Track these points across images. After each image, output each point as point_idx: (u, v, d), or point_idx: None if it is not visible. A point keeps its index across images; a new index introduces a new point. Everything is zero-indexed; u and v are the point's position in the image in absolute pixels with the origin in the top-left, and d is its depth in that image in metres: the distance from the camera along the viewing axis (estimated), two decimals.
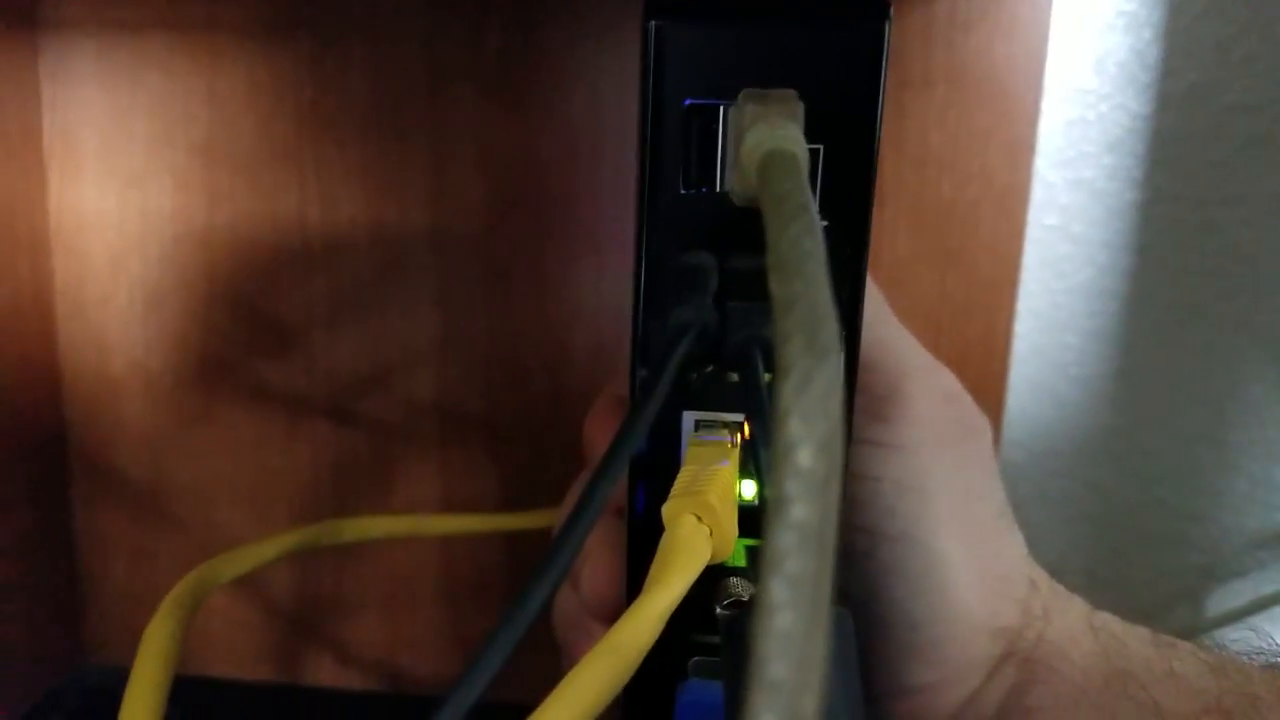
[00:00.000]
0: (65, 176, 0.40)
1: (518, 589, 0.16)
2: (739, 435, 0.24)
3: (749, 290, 0.20)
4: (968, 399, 0.30)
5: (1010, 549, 0.29)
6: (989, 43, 0.37)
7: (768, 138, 0.17)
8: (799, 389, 0.12)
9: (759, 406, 0.18)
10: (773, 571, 0.11)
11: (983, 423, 0.30)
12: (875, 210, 0.38)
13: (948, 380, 0.30)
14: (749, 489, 0.24)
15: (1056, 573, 0.51)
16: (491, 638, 0.15)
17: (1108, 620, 0.29)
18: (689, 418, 0.24)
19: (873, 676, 0.29)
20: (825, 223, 0.22)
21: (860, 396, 0.28)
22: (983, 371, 0.39)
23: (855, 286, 0.23)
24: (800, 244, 0.14)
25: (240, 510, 0.42)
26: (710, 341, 0.20)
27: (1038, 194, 0.49)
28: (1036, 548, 0.51)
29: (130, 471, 0.42)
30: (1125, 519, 0.52)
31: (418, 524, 0.37)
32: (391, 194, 0.39)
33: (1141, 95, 0.47)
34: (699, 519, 0.19)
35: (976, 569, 0.28)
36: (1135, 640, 0.28)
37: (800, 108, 0.19)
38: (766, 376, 0.20)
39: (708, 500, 0.20)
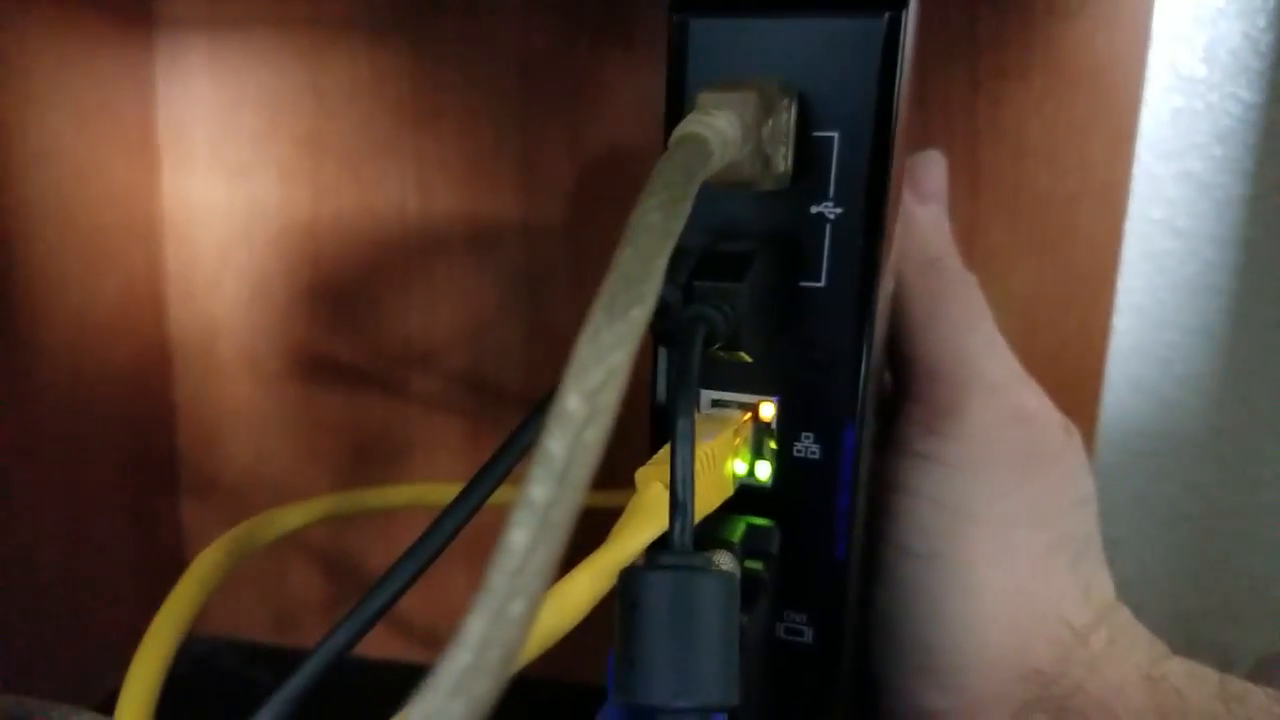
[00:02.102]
0: (177, 168, 0.42)
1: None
2: (751, 415, 0.24)
3: (718, 272, 0.21)
4: (1045, 420, 0.28)
5: (1056, 588, 0.27)
6: (1089, 33, 0.36)
7: (689, 122, 0.18)
8: (585, 340, 0.13)
9: (684, 379, 0.19)
10: (520, 495, 0.12)
11: (1059, 448, 0.28)
12: (970, 201, 0.37)
13: (1024, 398, 0.28)
14: (763, 470, 0.24)
15: (1156, 579, 0.50)
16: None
17: (1172, 670, 0.27)
18: (707, 396, 0.24)
19: (891, 694, 0.29)
20: (839, 210, 0.22)
21: (919, 407, 0.28)
22: (1079, 367, 0.38)
23: (868, 276, 0.23)
24: (646, 215, 0.15)
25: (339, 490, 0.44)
26: (665, 316, 0.21)
27: (1142, 187, 0.48)
28: (1135, 550, 0.50)
29: (233, 450, 0.44)
30: (1229, 523, 0.50)
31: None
32: (484, 185, 0.40)
33: (1254, 84, 0.46)
34: (664, 485, 0.20)
35: (1007, 603, 0.27)
36: (1199, 693, 0.26)
37: (754, 103, 0.19)
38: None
39: None
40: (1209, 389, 0.49)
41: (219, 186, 0.42)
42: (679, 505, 0.18)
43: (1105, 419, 0.50)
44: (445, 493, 0.38)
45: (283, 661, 0.43)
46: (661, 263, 0.14)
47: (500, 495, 0.38)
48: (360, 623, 0.18)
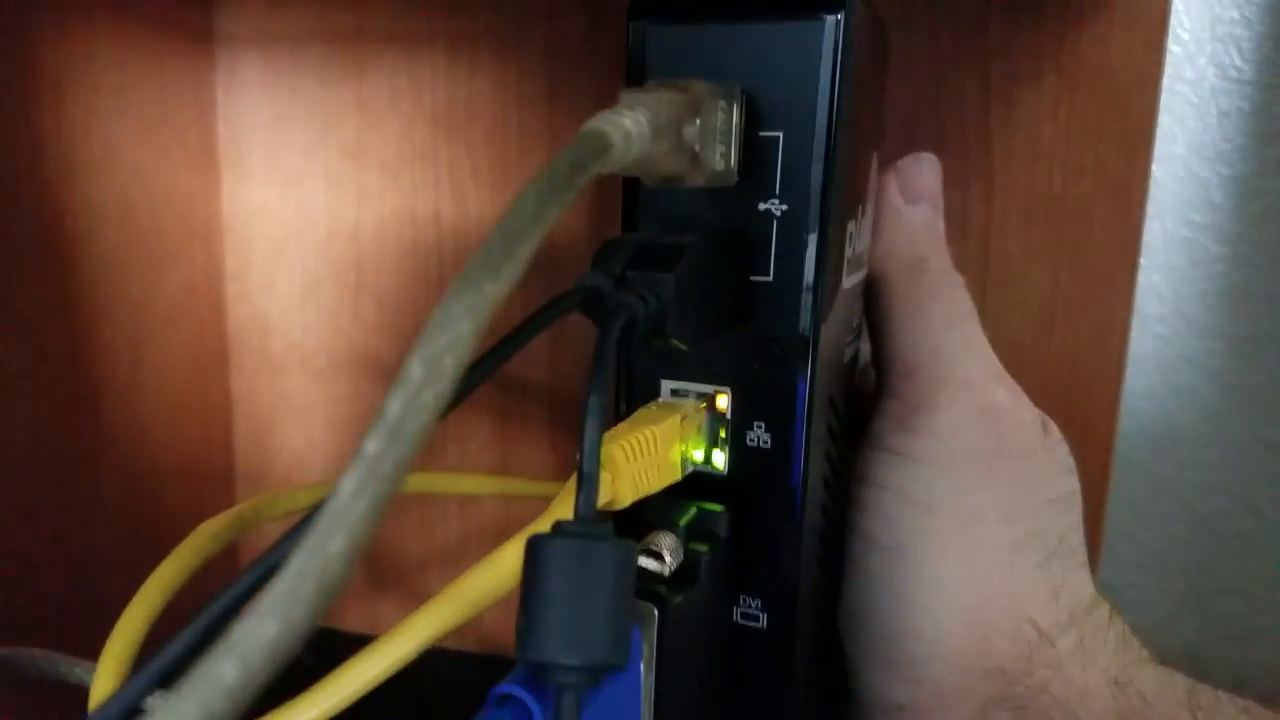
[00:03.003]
0: (235, 175, 0.45)
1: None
2: (708, 404, 0.25)
3: (649, 262, 0.22)
4: (1018, 418, 0.28)
5: (1022, 586, 0.28)
6: (1103, 35, 0.36)
7: (596, 118, 0.19)
8: (436, 310, 0.14)
9: (600, 361, 0.20)
10: (358, 452, 0.13)
11: (1032, 445, 0.28)
12: (985, 204, 0.38)
13: (996, 395, 0.28)
14: (719, 458, 0.25)
15: (1206, 592, 0.49)
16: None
17: (1141, 676, 0.27)
18: (666, 385, 0.25)
19: (860, 686, 0.29)
20: (784, 208, 0.23)
21: (894, 403, 0.29)
22: (1096, 370, 0.38)
23: (818, 271, 0.24)
24: (522, 200, 0.16)
25: None
26: (592, 302, 0.22)
27: (1187, 190, 0.47)
28: (1183, 564, 0.49)
29: (284, 440, 0.47)
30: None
31: (479, 484, 0.40)
32: (513, 190, 0.42)
33: None
34: (603, 466, 0.21)
35: (968, 596, 0.27)
36: (1166, 701, 0.26)
37: (671, 102, 0.20)
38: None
39: (612, 451, 0.22)
40: (1260, 399, 0.48)
41: (272, 192, 0.45)
42: (585, 477, 0.19)
43: (1151, 429, 0.50)
44: (455, 482, 0.40)
45: (323, 641, 0.45)
46: (527, 246, 0.16)
47: (526, 488, 0.40)
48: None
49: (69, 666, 0.27)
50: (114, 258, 0.39)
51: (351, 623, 0.47)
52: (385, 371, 0.45)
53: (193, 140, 0.43)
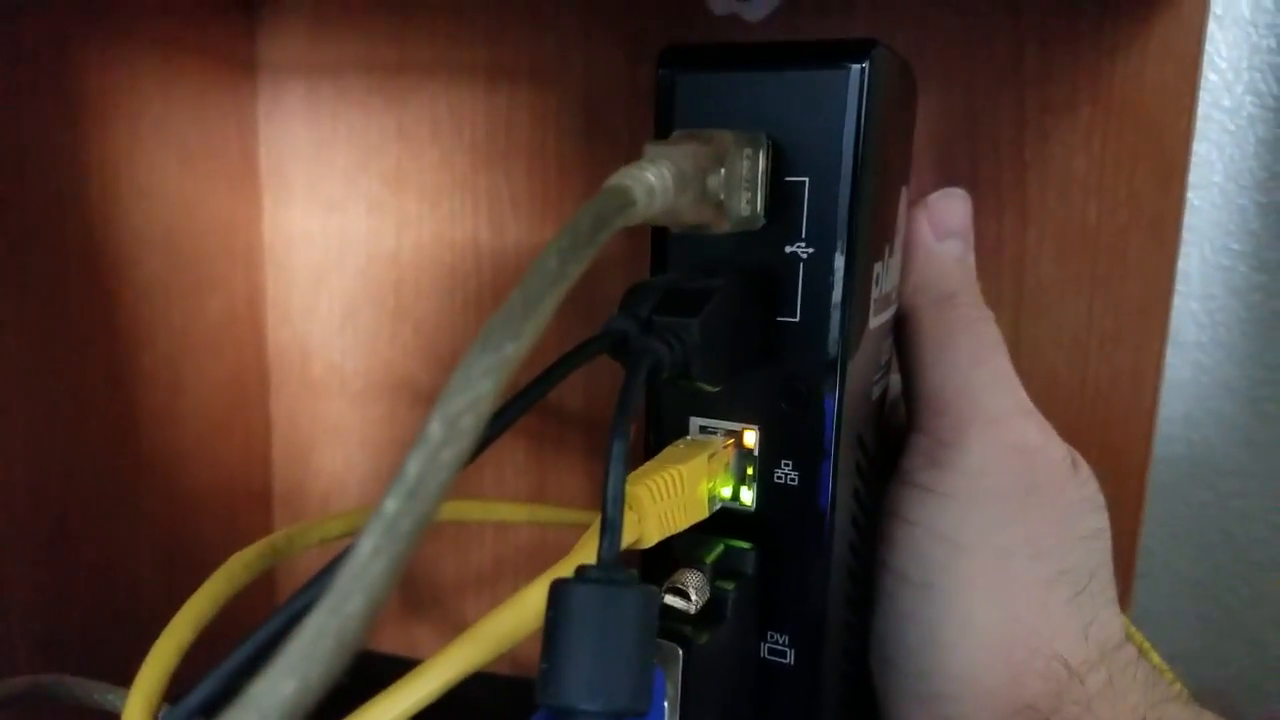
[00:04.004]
0: (277, 201, 0.46)
1: None
2: (735, 441, 0.25)
3: (675, 307, 0.22)
4: (1048, 455, 0.28)
5: (1052, 623, 0.27)
6: (1138, 67, 0.36)
7: (619, 174, 0.19)
8: (458, 370, 0.14)
9: (624, 405, 0.20)
10: (377, 510, 0.13)
11: (1061, 481, 0.28)
12: (1019, 235, 0.38)
13: (1025, 432, 0.28)
14: (747, 495, 0.26)
15: (1246, 622, 0.48)
16: None
17: (1170, 715, 0.27)
18: (694, 423, 0.26)
19: (888, 718, 0.29)
20: (810, 250, 0.24)
21: (925, 439, 0.29)
22: (1131, 401, 0.38)
23: (844, 312, 0.24)
24: (545, 259, 0.16)
25: None
26: (619, 347, 0.22)
27: (1225, 219, 0.47)
28: (1222, 593, 0.49)
29: (322, 462, 0.48)
30: None
31: (499, 511, 0.41)
32: (550, 220, 0.42)
33: None
34: (629, 507, 0.22)
35: (999, 634, 0.27)
36: None
37: (695, 154, 0.21)
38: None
39: (638, 492, 0.22)
40: None
41: (314, 218, 0.46)
42: (608, 523, 0.19)
43: (1190, 456, 0.49)
44: (487, 509, 0.41)
45: (359, 662, 0.46)
46: (548, 304, 0.16)
47: (558, 515, 0.40)
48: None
49: (102, 694, 0.27)
50: (157, 284, 0.40)
51: (388, 645, 0.48)
52: (422, 395, 0.46)
53: (235, 167, 0.44)
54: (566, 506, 0.42)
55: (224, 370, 0.44)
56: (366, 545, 0.13)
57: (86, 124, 0.36)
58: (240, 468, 0.46)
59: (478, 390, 0.15)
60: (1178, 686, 0.29)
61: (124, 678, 0.25)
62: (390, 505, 0.14)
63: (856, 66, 0.23)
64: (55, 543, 0.36)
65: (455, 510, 0.37)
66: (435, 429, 0.14)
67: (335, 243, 0.46)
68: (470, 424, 0.14)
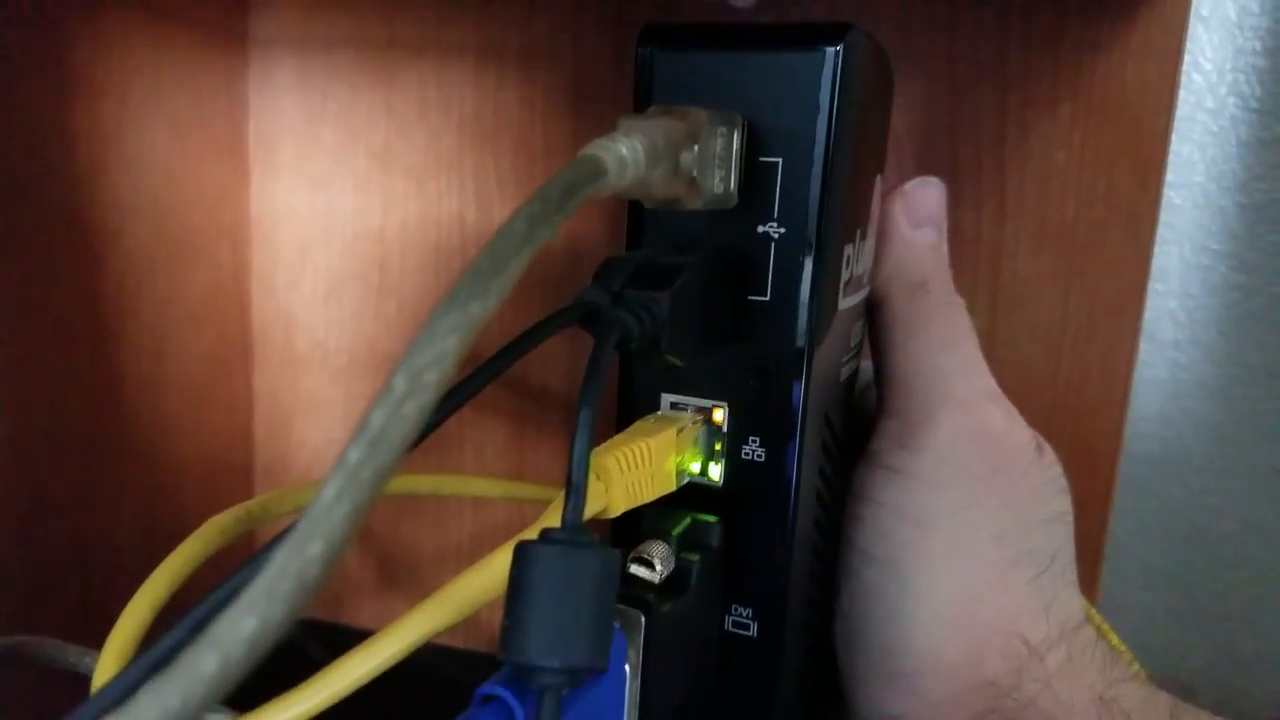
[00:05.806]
0: (264, 176, 0.46)
1: None
2: (705, 417, 0.26)
3: (646, 281, 0.23)
4: (1014, 439, 0.29)
5: (1014, 602, 0.28)
6: (1119, 65, 0.36)
7: (592, 144, 0.20)
8: (425, 326, 0.15)
9: (591, 375, 0.21)
10: (340, 458, 0.14)
11: (1025, 465, 0.29)
12: (996, 228, 0.38)
13: (991, 416, 0.29)
14: (715, 471, 0.26)
15: (1214, 616, 0.49)
16: None
17: (1125, 694, 0.27)
18: (665, 399, 0.26)
19: (856, 699, 0.30)
20: (782, 230, 0.24)
21: (894, 422, 0.29)
22: (1102, 395, 0.38)
23: (814, 292, 0.25)
24: (513, 223, 0.17)
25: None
26: (590, 318, 0.23)
27: (1206, 219, 0.47)
28: (1191, 588, 0.49)
29: (304, 436, 0.48)
30: None
31: (467, 485, 0.41)
32: None
33: None
34: (596, 476, 0.22)
35: (961, 610, 0.28)
36: (1149, 718, 0.27)
37: (669, 129, 0.21)
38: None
39: (606, 462, 0.22)
40: (1271, 426, 0.48)
41: (301, 194, 0.46)
42: (573, 486, 0.20)
43: (1163, 453, 0.50)
44: (464, 484, 0.41)
45: (337, 636, 0.46)
46: (515, 267, 0.16)
47: (533, 492, 0.41)
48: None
49: (78, 656, 0.28)
50: (142, 254, 0.40)
51: (365, 620, 0.48)
52: None
53: (224, 140, 0.45)
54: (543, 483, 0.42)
55: (207, 342, 0.45)
56: (329, 491, 0.14)
57: (76, 92, 0.36)
58: (222, 440, 0.47)
59: (442, 346, 0.15)
60: (1135, 667, 0.30)
61: (103, 645, 0.25)
62: (354, 454, 0.14)
63: (831, 49, 0.23)
64: (36, 511, 0.36)
65: (432, 484, 0.37)
66: (399, 381, 0.15)
67: (322, 218, 0.46)
68: (434, 378, 0.15)
